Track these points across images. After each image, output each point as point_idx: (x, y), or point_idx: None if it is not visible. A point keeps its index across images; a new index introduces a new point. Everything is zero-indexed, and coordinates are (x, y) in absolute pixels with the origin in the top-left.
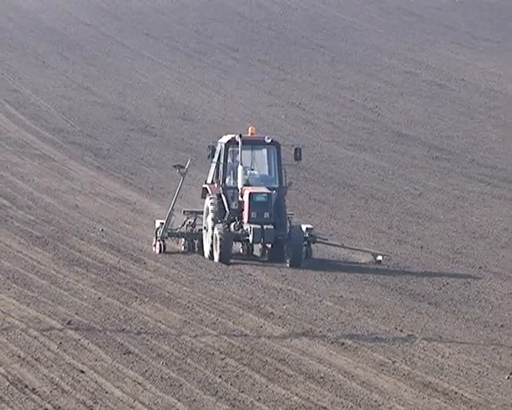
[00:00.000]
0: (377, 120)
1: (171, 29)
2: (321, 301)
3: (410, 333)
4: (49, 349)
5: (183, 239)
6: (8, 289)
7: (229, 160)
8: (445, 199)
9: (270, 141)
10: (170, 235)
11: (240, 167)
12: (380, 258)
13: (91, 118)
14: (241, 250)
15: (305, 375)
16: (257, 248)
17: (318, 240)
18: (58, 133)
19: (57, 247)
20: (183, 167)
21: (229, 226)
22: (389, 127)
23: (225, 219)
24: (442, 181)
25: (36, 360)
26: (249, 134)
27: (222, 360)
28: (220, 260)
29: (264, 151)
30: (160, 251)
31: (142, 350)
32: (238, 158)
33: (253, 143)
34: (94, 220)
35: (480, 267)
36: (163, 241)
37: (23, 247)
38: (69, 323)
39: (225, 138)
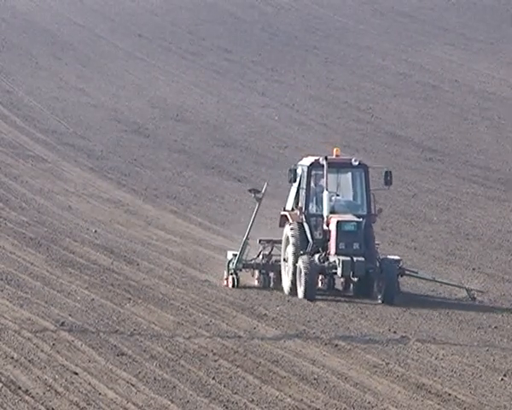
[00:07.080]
0: (371, 121)
1: (165, 30)
2: (314, 303)
3: (404, 335)
4: (42, 351)
5: (257, 272)
6: (2, 290)
7: (311, 184)
8: (438, 200)
9: (357, 163)
10: (244, 267)
11: (325, 193)
12: (476, 295)
13: (84, 119)
14: (320, 284)
15: (298, 376)
16: (338, 282)
17: (407, 273)
18: (51, 134)
19: (50, 248)
20: (258, 192)
21: (313, 258)
22: (383, 129)
23: (308, 249)
24: (436, 182)
25: (29, 361)
26: (334, 156)
27: (215, 361)
28: (305, 295)
29: (349, 174)
30: (234, 285)
31: (135, 352)
32: (322, 183)
33: (338, 166)
34: (87, 222)
35: (474, 269)
36: (236, 274)
37: (16, 248)
38: (62, 324)
39: (307, 161)
